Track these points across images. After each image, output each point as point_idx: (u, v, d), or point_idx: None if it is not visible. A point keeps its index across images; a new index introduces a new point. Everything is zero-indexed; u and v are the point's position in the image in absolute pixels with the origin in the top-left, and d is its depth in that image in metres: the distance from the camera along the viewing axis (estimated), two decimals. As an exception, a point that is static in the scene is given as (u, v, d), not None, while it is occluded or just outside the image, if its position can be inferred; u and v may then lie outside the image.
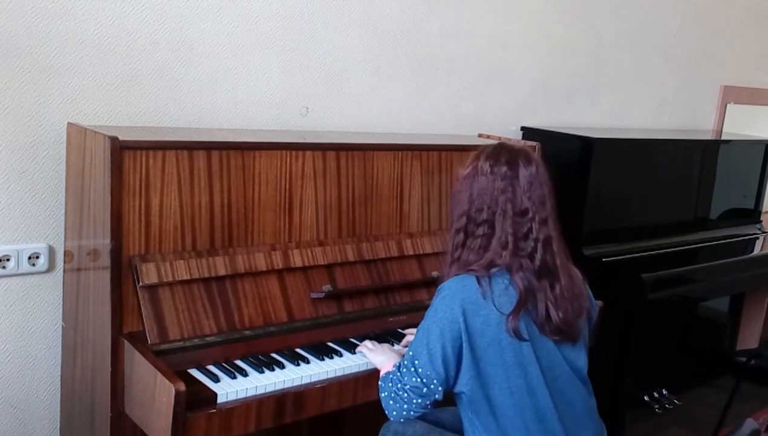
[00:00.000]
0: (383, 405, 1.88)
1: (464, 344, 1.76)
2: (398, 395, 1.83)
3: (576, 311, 1.85)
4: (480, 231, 1.84)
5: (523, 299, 1.78)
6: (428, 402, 1.82)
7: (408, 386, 1.81)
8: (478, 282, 1.79)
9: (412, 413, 1.83)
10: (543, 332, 1.81)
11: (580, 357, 1.90)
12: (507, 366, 1.77)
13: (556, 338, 1.82)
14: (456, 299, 1.78)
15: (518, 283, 1.79)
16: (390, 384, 1.85)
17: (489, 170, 1.84)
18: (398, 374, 1.85)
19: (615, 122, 3.95)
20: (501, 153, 1.87)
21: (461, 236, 1.87)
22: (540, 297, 1.80)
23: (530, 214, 1.82)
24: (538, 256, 1.81)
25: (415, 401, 1.81)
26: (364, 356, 2.13)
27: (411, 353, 1.83)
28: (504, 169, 1.83)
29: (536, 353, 1.79)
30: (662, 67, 4.13)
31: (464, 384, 1.80)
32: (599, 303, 2.20)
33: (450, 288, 1.81)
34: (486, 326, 1.76)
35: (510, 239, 1.80)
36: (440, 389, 1.80)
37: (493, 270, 1.80)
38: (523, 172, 1.84)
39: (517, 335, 1.76)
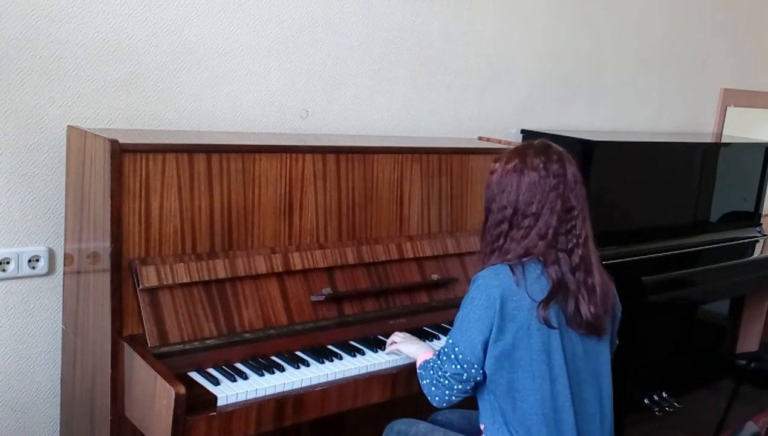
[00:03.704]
0: (425, 392, 1.96)
1: (494, 326, 1.83)
2: (440, 381, 1.91)
3: (604, 306, 1.92)
4: (526, 223, 1.90)
5: (555, 290, 1.85)
6: (469, 387, 1.90)
7: (449, 374, 1.89)
8: (512, 271, 1.86)
9: (453, 398, 1.92)
10: (571, 325, 1.87)
11: (602, 353, 1.97)
12: (533, 351, 1.83)
13: (584, 331, 1.88)
14: (492, 285, 1.85)
15: (552, 274, 1.86)
16: (431, 372, 1.94)
17: (542, 166, 1.90)
18: (438, 362, 1.93)
19: (615, 125, 3.95)
20: (551, 151, 1.93)
21: (505, 225, 1.92)
22: (572, 291, 1.87)
23: (575, 212, 1.91)
24: (579, 252, 1.89)
25: (456, 387, 1.90)
26: (396, 348, 2.18)
27: (451, 340, 1.91)
28: (555, 166, 1.90)
29: (563, 342, 1.86)
30: (662, 70, 4.14)
31: (487, 363, 1.86)
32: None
33: (485, 277, 1.88)
34: (517, 311, 1.83)
35: (551, 232, 1.87)
36: (481, 372, 1.87)
37: (526, 259, 1.87)
38: (570, 171, 1.92)
39: (546, 322, 1.83)
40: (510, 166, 1.93)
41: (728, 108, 4.58)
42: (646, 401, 3.65)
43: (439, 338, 2.36)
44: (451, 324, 1.95)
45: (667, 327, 3.98)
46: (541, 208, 1.88)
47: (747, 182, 4.17)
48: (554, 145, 1.98)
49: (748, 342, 4.46)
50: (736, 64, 4.63)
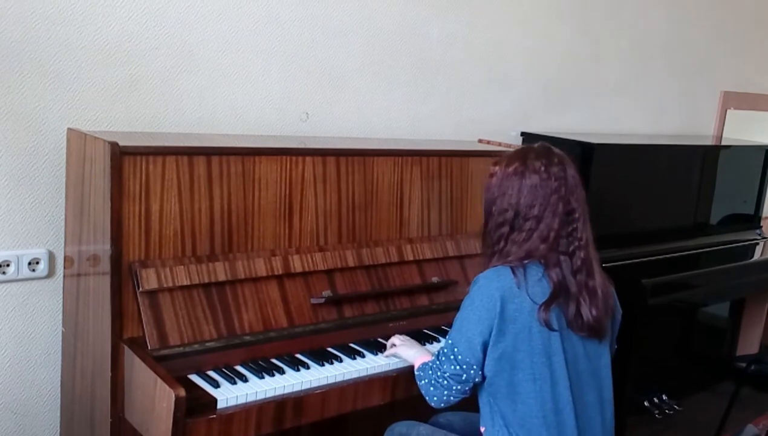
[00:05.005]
0: (423, 392, 1.97)
1: (494, 328, 1.83)
2: (438, 382, 1.92)
3: (605, 309, 1.92)
4: (527, 226, 1.90)
5: (556, 292, 1.85)
6: (467, 387, 1.91)
7: (447, 374, 1.90)
8: (513, 273, 1.86)
9: (452, 398, 1.92)
10: (572, 328, 1.87)
11: (603, 355, 1.97)
12: (534, 353, 1.83)
13: (585, 334, 1.89)
14: (492, 286, 1.85)
15: (553, 277, 1.86)
16: (430, 372, 1.95)
17: (543, 169, 1.90)
18: (437, 362, 1.93)
19: (615, 128, 3.95)
20: (552, 154, 1.94)
21: (506, 228, 1.92)
22: (573, 294, 1.87)
23: (576, 215, 1.91)
24: (580, 254, 1.89)
25: (455, 387, 1.90)
26: (395, 352, 2.17)
27: (450, 341, 1.91)
28: (557, 169, 1.91)
29: (563, 344, 1.86)
30: (662, 73, 4.14)
31: (487, 366, 1.86)
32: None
33: (486, 278, 1.88)
34: (518, 313, 1.83)
35: (552, 234, 1.87)
36: (480, 373, 1.88)
37: (527, 261, 1.87)
38: (570, 174, 1.93)
39: (547, 325, 1.83)
40: (511, 169, 1.93)
41: (728, 110, 4.58)
42: (646, 403, 3.64)
43: (439, 341, 2.35)
44: (451, 327, 1.95)
45: (667, 330, 3.98)
46: (543, 211, 1.88)
47: (747, 185, 4.18)
48: (554, 148, 1.98)
49: (748, 345, 4.46)
50: (737, 67, 4.63)
